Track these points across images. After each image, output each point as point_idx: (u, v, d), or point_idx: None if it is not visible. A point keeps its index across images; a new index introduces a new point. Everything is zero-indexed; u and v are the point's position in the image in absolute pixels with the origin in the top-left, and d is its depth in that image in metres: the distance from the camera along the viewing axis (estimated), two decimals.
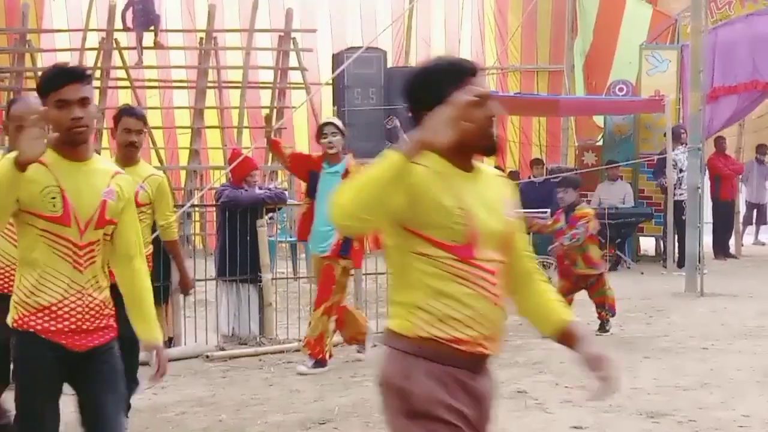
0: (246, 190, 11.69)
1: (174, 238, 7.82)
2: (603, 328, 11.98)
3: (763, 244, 24.89)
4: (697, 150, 15.74)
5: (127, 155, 7.33)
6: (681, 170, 18.51)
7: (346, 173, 9.66)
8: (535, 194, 19.04)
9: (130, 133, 7.29)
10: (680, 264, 17.64)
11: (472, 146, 3.69)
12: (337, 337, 10.79)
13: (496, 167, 15.85)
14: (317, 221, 9.85)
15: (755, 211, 24.16)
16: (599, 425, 7.59)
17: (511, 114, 23.13)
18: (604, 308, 12.03)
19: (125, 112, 7.46)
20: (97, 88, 21.21)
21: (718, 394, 8.66)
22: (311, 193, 10.00)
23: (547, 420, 7.79)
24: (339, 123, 10.24)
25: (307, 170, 10.11)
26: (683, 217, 17.28)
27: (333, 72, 19.12)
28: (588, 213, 12.28)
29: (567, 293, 11.78)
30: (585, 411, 8.00)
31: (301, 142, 22.80)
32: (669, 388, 8.89)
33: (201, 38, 21.63)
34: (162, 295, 10.83)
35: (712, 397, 8.51)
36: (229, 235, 11.36)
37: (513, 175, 21.25)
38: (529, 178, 20.03)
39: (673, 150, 18.22)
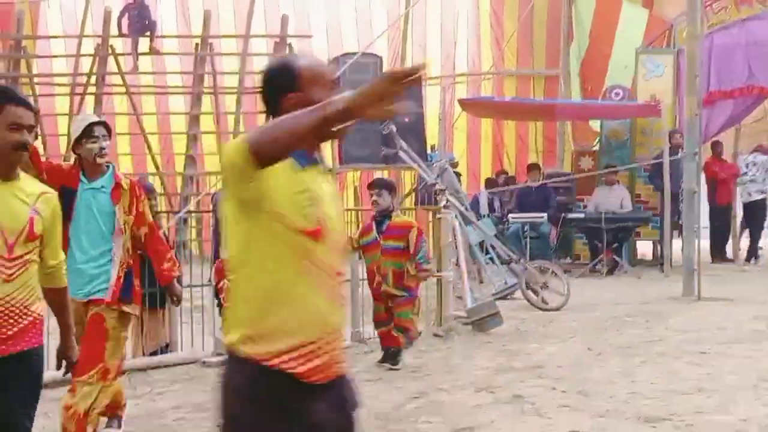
0: None
1: (64, 285, 5.32)
2: (394, 357, 10.34)
3: (760, 248, 24.87)
4: (693, 155, 15.73)
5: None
6: (745, 173, 20.21)
7: (116, 190, 7.06)
8: (532, 199, 19.10)
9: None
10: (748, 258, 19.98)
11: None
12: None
13: (500, 172, 15.76)
14: (77, 254, 6.96)
15: None
16: (596, 430, 7.56)
17: (507, 119, 23.16)
18: (403, 333, 10.37)
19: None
20: (92, 94, 21.23)
21: (715, 398, 8.62)
22: (67, 215, 6.34)
23: (544, 425, 7.77)
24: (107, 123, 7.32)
25: (60, 185, 6.44)
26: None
27: None
28: (413, 223, 10.69)
29: (386, 320, 10.54)
30: (582, 415, 7.98)
31: None
32: (666, 392, 8.86)
33: (197, 44, 21.64)
34: (159, 301, 10.85)
35: (710, 402, 8.48)
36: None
37: (509, 180, 21.29)
38: (526, 182, 20.03)
39: (671, 155, 18.22)
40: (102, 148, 7.02)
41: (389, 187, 10.60)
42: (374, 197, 10.46)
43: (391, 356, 10.37)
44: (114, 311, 6.99)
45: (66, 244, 6.58)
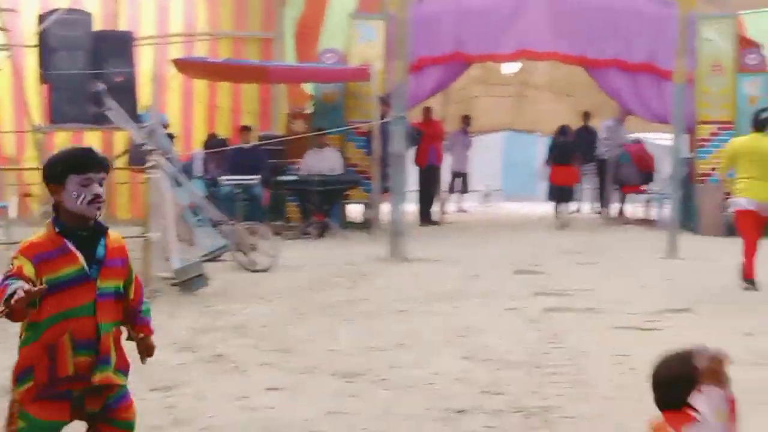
0: None
1: None
2: None
3: (465, 211, 25.80)
4: (401, 118, 16.07)
5: None
6: (607, 138, 23.00)
7: None
8: (244, 161, 19.11)
9: None
10: None
11: None
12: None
13: (211, 135, 15.21)
14: None
15: (459, 179, 25.04)
16: (294, 385, 7.67)
17: (221, 80, 23.00)
18: None
19: None
20: None
21: (412, 353, 8.89)
22: None
23: (243, 382, 7.81)
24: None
25: None
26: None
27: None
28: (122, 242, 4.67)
29: None
30: (281, 372, 8.08)
31: (5, 106, 22.06)
32: (365, 348, 9.06)
33: None
34: None
35: (407, 357, 8.73)
36: None
37: (221, 142, 21.10)
38: (238, 145, 19.99)
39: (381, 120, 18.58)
40: None
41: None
42: (95, 188, 4.44)
43: None
44: None
45: None
